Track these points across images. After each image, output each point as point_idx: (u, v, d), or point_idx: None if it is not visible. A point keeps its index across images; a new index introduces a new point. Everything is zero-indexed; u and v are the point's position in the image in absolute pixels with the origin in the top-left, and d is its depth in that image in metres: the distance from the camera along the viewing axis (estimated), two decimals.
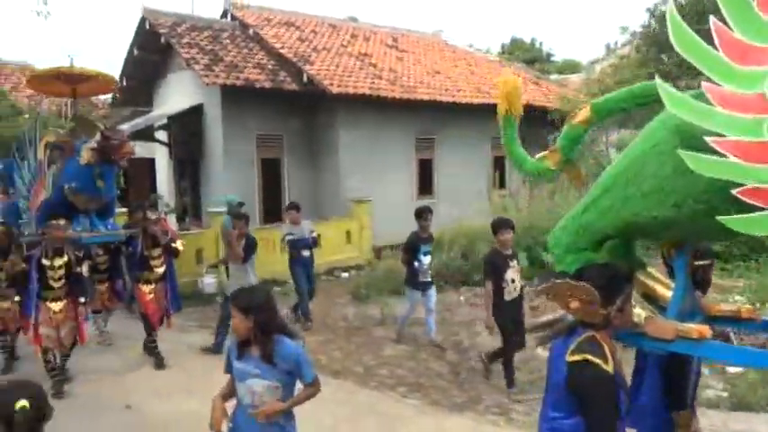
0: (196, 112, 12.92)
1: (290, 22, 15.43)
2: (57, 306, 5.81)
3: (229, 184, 12.12)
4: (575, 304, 2.40)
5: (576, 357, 2.36)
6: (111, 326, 7.62)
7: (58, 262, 5.82)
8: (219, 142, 12.29)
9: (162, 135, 14.02)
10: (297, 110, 13.02)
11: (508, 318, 5.82)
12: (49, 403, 2.30)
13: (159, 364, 6.60)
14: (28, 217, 7.23)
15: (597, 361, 2.32)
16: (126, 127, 14.23)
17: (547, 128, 14.45)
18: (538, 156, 3.41)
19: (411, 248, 7.23)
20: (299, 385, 3.02)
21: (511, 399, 5.72)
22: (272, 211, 12.68)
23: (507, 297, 5.78)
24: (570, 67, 32.19)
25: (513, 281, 5.81)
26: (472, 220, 11.07)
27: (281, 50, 13.29)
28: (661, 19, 18.27)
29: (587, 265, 2.64)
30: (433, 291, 7.40)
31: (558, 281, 2.47)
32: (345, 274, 11.50)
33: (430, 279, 7.34)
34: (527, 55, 35.87)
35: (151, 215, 6.82)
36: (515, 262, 5.97)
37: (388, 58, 15.32)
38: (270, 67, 12.81)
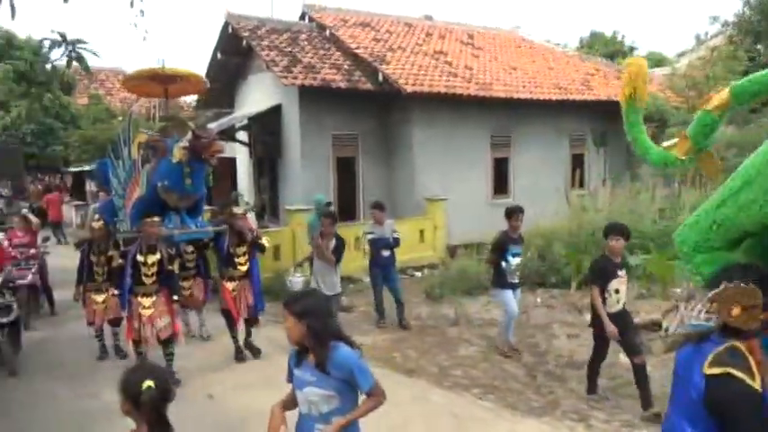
0: (275, 113, 13.29)
1: (365, 23, 15.58)
2: (147, 301, 5.96)
3: (306, 182, 12.40)
4: (736, 311, 2.12)
5: (716, 370, 2.09)
6: (193, 319, 7.92)
7: (152, 259, 5.97)
8: (297, 141, 12.58)
9: (243, 135, 14.52)
10: (372, 109, 13.14)
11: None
12: (173, 387, 2.44)
13: (239, 357, 6.80)
14: (123, 214, 7.42)
15: (742, 376, 2.04)
16: (212, 127, 14.88)
17: None
18: (665, 144, 3.16)
19: (499, 248, 6.94)
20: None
21: (590, 405, 5.54)
22: (347, 210, 12.86)
23: (608, 308, 5.29)
24: (655, 61, 30.79)
25: (617, 291, 5.32)
26: (549, 220, 10.79)
27: (357, 51, 13.44)
28: (758, 7, 17.14)
29: (729, 266, 2.32)
30: (518, 293, 7.17)
31: (730, 285, 2.17)
32: (419, 273, 11.51)
33: (518, 281, 7.07)
34: (608, 49, 34.58)
35: (237, 211, 6.99)
36: (623, 272, 5.42)
37: (463, 56, 15.18)
38: (346, 67, 12.99)
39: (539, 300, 9.30)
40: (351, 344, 2.81)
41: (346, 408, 2.74)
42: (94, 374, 6.53)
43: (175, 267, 6.35)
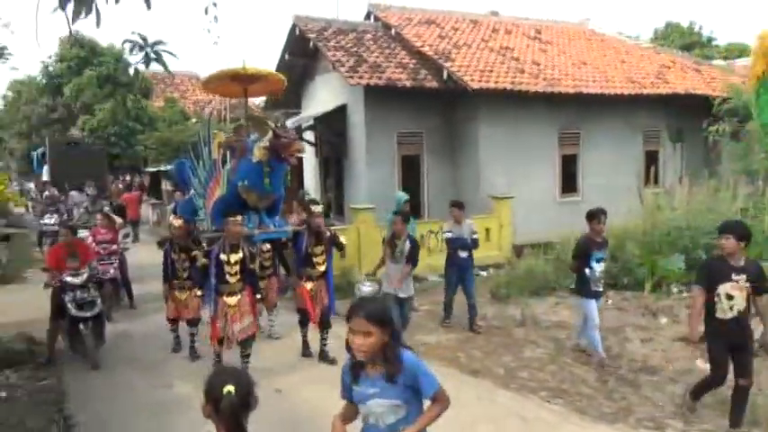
0: (341, 113, 13.44)
1: (430, 20, 15.51)
2: (232, 300, 5.97)
3: (371, 181, 12.49)
4: None
5: None
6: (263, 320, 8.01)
7: (235, 258, 5.95)
8: (362, 140, 12.68)
9: (309, 135, 14.77)
10: (437, 107, 13.07)
11: (721, 341, 4.76)
12: (255, 393, 2.35)
13: (306, 353, 6.82)
14: (203, 214, 7.41)
15: None
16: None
17: (708, 118, 13.21)
18: None
19: (582, 254, 6.49)
20: None
21: (667, 412, 5.30)
22: (412, 208, 12.83)
23: (720, 314, 4.69)
24: (736, 52, 29.15)
25: (729, 297, 4.65)
26: (621, 219, 10.40)
27: (422, 49, 13.40)
28: None
29: None
30: (600, 301, 6.76)
31: None
32: (484, 273, 11.35)
33: (602, 288, 6.65)
34: (684, 40, 33.06)
35: (315, 209, 6.93)
36: (741, 277, 4.65)
37: (530, 51, 14.86)
38: (411, 65, 12.98)
39: (610, 302, 8.98)
40: (407, 347, 2.72)
41: (413, 416, 2.65)
42: (168, 367, 6.82)
43: (256, 266, 6.38)
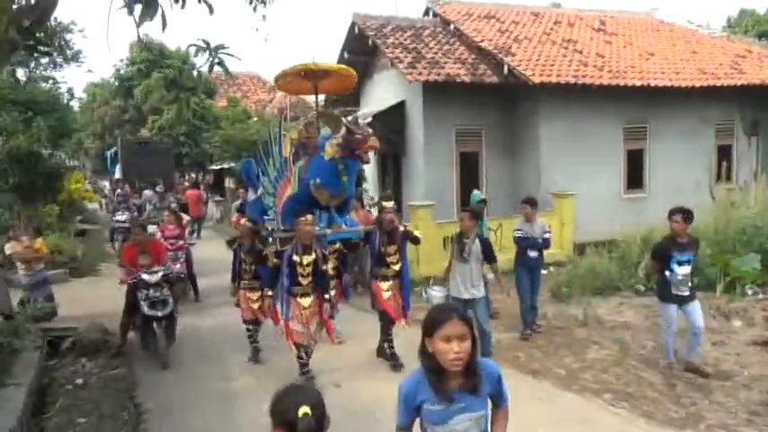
0: (399, 110, 13.45)
1: (490, 15, 15.29)
2: (306, 302, 5.88)
3: (429, 177, 12.44)
4: None
5: None
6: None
7: (307, 259, 5.84)
8: (420, 137, 12.65)
9: None
10: (496, 103, 12.88)
11: None
12: (327, 413, 2.16)
13: (396, 366, 6.37)
14: (273, 213, 7.11)
15: None
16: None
17: None
18: None
19: (661, 255, 6.16)
20: None
21: (740, 419, 5.04)
22: (469, 205, 12.73)
23: None
24: None
25: None
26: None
27: (481, 44, 13.23)
28: None
29: None
30: (694, 306, 6.02)
31: None
32: (544, 271, 11.07)
33: (688, 292, 6.04)
34: (761, 28, 31.27)
35: (387, 204, 6.67)
36: None
37: (594, 43, 14.42)
38: (470, 60, 12.84)
39: None
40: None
41: (485, 424, 2.48)
42: (233, 359, 7.02)
43: (329, 267, 6.26)
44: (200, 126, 24.67)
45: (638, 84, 12.56)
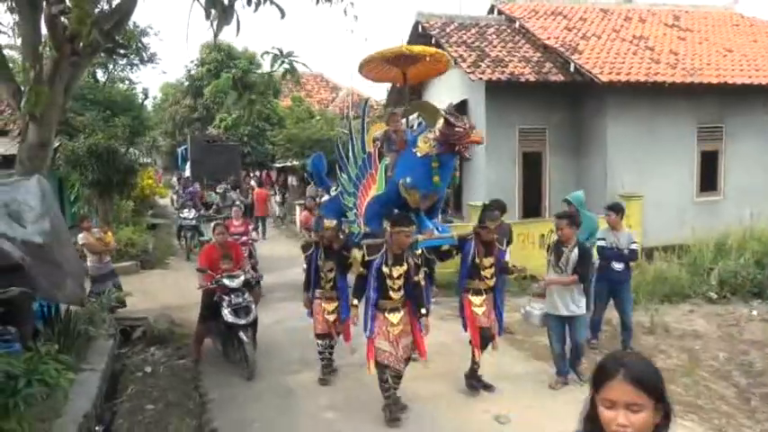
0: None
1: (557, 12, 14.94)
2: (395, 318, 5.15)
3: (489, 177, 12.28)
4: None
5: None
6: None
7: (399, 271, 5.13)
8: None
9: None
10: (561, 102, 12.57)
11: None
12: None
13: (488, 386, 5.84)
14: (353, 215, 6.35)
15: None
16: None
17: None
18: None
19: None
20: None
21: None
22: (532, 207, 12.51)
23: None
24: None
25: None
26: None
27: (547, 41, 12.94)
28: None
29: None
30: None
31: None
32: None
33: None
34: None
35: (490, 224, 5.68)
36: None
37: (667, 40, 13.84)
38: (535, 59, 12.59)
39: (755, 312, 8.20)
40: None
41: None
42: (295, 354, 7.15)
43: (421, 278, 5.41)
44: (263, 127, 25.27)
45: (714, 82, 11.96)
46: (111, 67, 18.07)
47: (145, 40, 17.26)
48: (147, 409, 5.61)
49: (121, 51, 11.53)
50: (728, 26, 15.50)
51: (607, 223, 7.00)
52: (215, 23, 4.96)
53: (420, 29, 14.25)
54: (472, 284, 5.76)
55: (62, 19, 6.04)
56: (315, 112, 26.34)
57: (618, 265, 6.82)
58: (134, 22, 14.14)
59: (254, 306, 6.65)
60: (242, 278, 6.70)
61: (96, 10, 6.47)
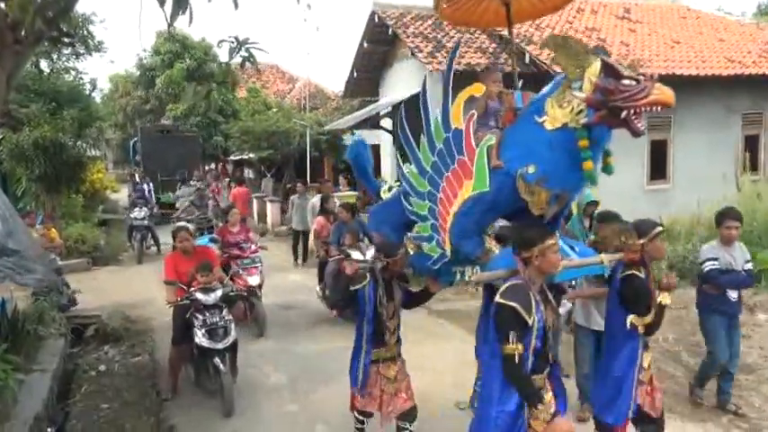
0: (418, 100, 13.33)
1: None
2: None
3: None
4: None
5: None
6: None
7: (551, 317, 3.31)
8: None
9: (387, 123, 14.80)
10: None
11: None
12: None
13: None
14: (428, 227, 3.96)
15: None
16: (357, 115, 15.28)
17: None
18: None
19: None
20: None
21: (763, 414, 4.94)
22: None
23: None
24: None
25: None
26: (715, 207, 9.77)
27: (503, 32, 13.06)
28: None
29: None
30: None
31: None
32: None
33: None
34: None
35: (654, 232, 3.92)
36: None
37: (618, 32, 14.18)
38: (491, 50, 12.71)
39: None
40: None
41: None
42: (281, 379, 7.02)
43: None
44: (216, 119, 24.67)
45: (663, 73, 12.30)
46: (55, 56, 17.41)
47: (90, 28, 16.70)
48: (102, 409, 5.46)
49: (66, 40, 11.09)
50: (676, 18, 15.98)
51: (723, 237, 5.14)
52: (168, 12, 4.81)
53: (376, 19, 14.20)
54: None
55: (2, 6, 5.76)
56: (271, 103, 25.99)
57: (733, 294, 5.12)
58: (76, 10, 13.65)
59: (233, 326, 5.58)
60: (219, 292, 5.60)
61: None
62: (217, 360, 5.33)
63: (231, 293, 5.94)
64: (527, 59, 12.11)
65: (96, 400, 5.66)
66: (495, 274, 3.41)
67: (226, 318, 5.55)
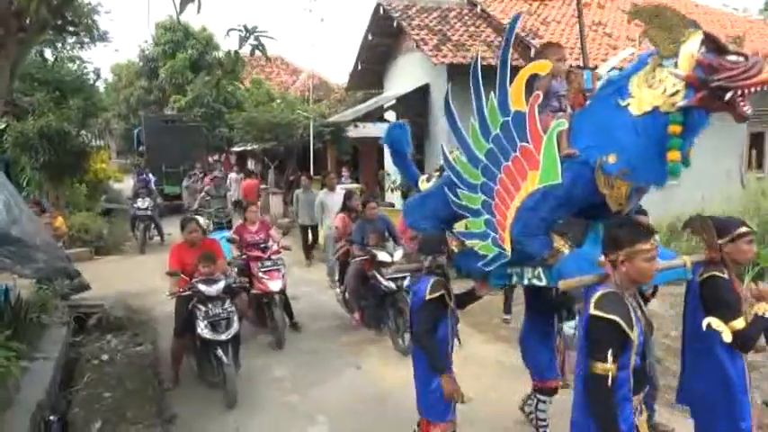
0: (422, 93, 13.32)
1: None
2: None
3: None
4: None
5: None
6: None
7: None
8: (444, 121, 12.46)
9: (391, 116, 14.77)
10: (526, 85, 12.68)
11: None
12: None
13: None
14: (482, 223, 3.56)
15: None
16: (361, 107, 15.26)
17: None
18: None
19: None
20: None
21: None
22: None
23: None
24: None
25: None
26: (719, 206, 9.77)
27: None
28: None
29: None
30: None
31: None
32: None
33: None
34: None
35: (741, 231, 3.47)
36: None
37: (625, 26, 14.10)
38: (497, 43, 12.65)
39: None
40: None
41: None
42: (283, 371, 7.03)
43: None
44: (219, 109, 24.61)
45: None
46: (59, 45, 17.37)
47: (95, 17, 16.63)
48: (105, 397, 5.47)
49: (71, 29, 11.06)
50: (684, 13, 15.88)
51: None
52: (177, 0, 4.78)
53: (382, 11, 14.15)
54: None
55: None
56: (275, 95, 25.94)
57: None
58: (82, 0, 13.59)
59: (236, 318, 5.53)
60: (222, 283, 5.53)
61: None
62: (219, 351, 5.28)
63: (234, 285, 5.81)
64: (532, 53, 12.06)
65: (99, 388, 5.68)
66: (585, 279, 2.84)
67: (228, 309, 5.48)
